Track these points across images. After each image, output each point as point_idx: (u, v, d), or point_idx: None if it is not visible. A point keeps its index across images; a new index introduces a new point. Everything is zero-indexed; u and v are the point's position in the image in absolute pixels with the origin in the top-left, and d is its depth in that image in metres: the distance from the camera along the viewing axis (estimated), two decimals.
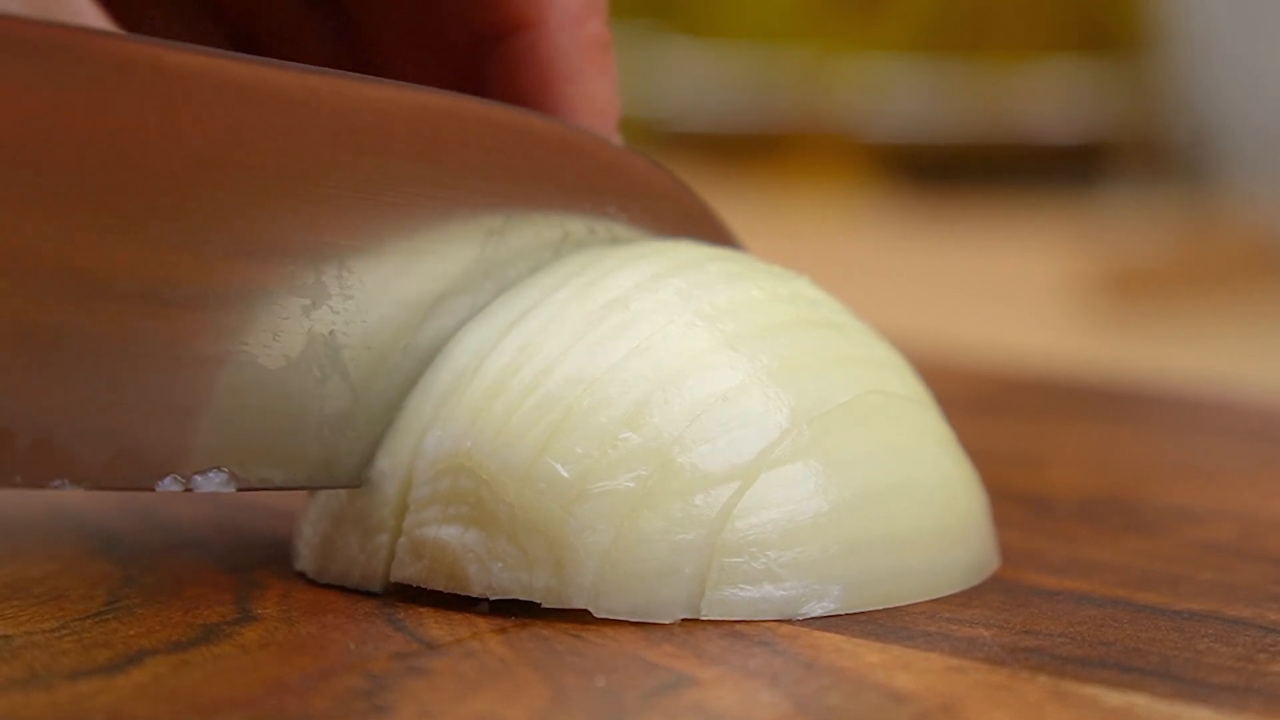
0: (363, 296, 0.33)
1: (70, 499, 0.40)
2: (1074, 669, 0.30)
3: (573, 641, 0.31)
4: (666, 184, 0.37)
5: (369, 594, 0.33)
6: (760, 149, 1.47)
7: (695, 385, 0.32)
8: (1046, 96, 1.44)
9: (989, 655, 0.30)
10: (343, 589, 0.33)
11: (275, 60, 0.32)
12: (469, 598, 0.32)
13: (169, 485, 0.32)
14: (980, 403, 0.56)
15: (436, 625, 0.31)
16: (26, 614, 0.32)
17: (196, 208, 0.32)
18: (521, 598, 0.32)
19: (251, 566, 0.35)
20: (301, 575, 0.34)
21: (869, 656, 0.30)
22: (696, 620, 0.32)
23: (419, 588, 0.33)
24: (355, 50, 0.39)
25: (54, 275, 0.30)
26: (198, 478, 0.32)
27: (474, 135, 0.34)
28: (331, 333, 0.33)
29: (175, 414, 0.32)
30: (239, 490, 0.33)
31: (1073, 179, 1.40)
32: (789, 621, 0.32)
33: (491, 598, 0.32)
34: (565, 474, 0.32)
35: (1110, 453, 0.49)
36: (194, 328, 0.32)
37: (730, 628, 0.31)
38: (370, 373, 0.34)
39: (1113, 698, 0.28)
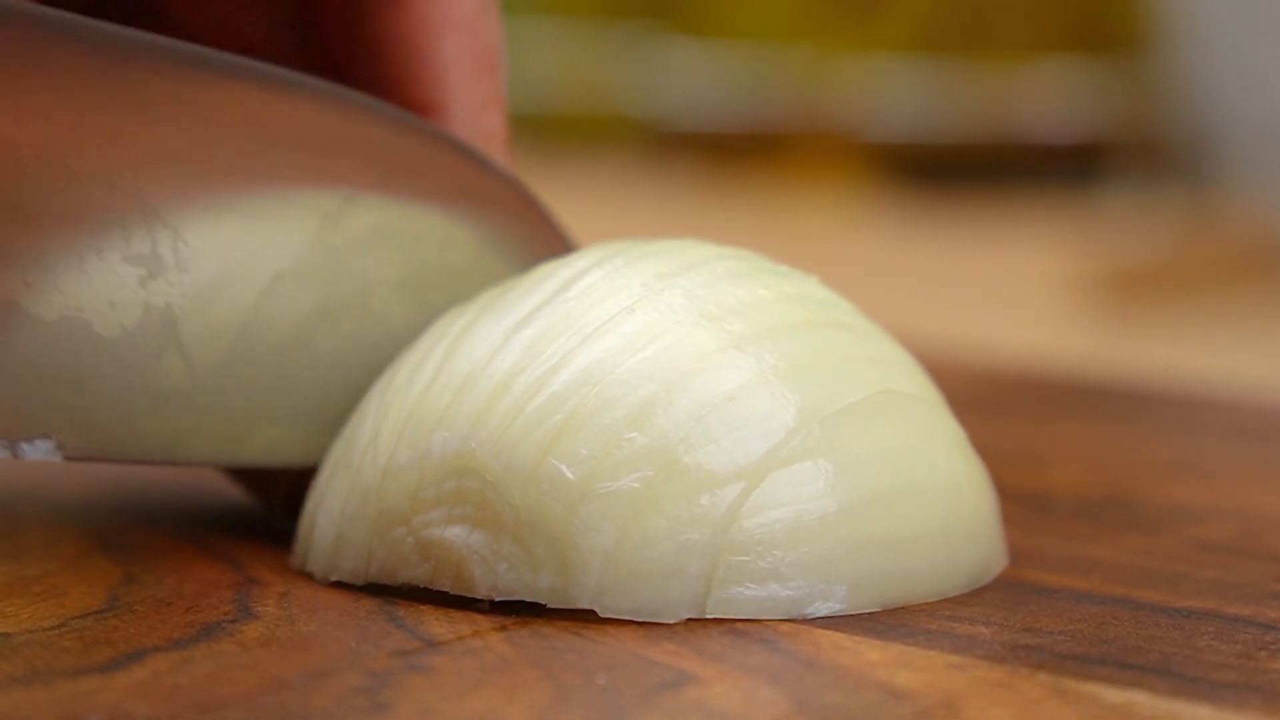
0: (199, 271, 0.34)
1: (70, 497, 0.40)
2: (1074, 666, 0.30)
3: (573, 639, 0.31)
4: (509, 193, 0.37)
5: (370, 592, 0.33)
6: (760, 149, 1.47)
7: (701, 386, 0.32)
8: (1046, 96, 1.43)
9: (989, 653, 0.30)
10: (345, 587, 0.33)
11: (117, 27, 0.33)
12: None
13: None
14: (980, 401, 0.56)
15: (437, 623, 0.31)
16: (27, 612, 0.32)
17: (21, 170, 0.32)
18: (527, 599, 0.32)
19: (252, 564, 0.35)
20: (309, 576, 0.34)
21: (869, 654, 0.30)
22: (697, 618, 0.32)
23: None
24: None
25: None
26: (24, 445, 0.32)
27: (308, 115, 0.35)
28: (168, 305, 0.33)
29: (6, 376, 0.32)
30: (67, 459, 0.33)
31: (1073, 179, 1.39)
32: (789, 619, 0.32)
33: (497, 599, 0.32)
34: (570, 475, 0.32)
35: (1110, 451, 0.49)
36: (27, 288, 0.32)
37: (731, 626, 0.31)
38: (208, 351, 0.34)
39: (1113, 695, 0.28)
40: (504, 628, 0.31)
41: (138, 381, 0.33)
